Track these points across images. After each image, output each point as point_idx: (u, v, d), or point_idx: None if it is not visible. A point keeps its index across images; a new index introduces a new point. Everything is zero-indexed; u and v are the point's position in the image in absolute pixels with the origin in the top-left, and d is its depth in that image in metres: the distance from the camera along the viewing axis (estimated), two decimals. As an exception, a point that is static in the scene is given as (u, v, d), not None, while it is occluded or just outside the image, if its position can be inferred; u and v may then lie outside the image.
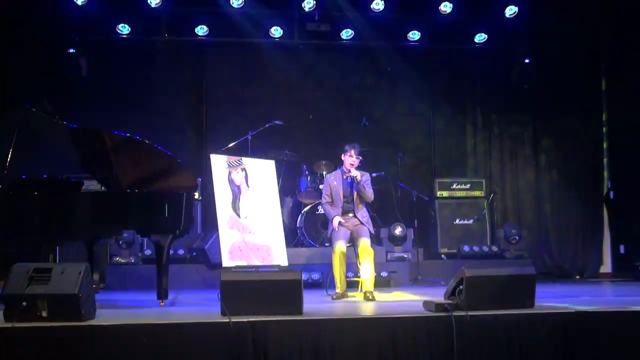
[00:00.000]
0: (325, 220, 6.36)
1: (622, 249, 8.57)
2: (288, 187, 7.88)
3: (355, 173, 5.64)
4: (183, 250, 7.03)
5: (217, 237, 6.12)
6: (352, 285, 5.92)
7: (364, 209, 5.78)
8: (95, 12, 7.94)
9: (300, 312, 4.01)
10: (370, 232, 5.70)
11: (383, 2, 8.17)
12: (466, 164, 8.95)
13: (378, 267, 6.21)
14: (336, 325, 3.89)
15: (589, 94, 8.93)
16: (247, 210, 6.20)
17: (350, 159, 5.71)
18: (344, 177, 5.76)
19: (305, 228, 7.29)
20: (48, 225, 4.55)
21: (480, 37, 8.65)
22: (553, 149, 8.96)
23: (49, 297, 3.73)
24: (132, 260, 6.92)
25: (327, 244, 6.87)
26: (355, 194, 5.72)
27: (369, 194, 5.72)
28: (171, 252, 5.67)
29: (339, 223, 5.63)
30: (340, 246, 5.52)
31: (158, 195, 4.80)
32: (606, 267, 8.77)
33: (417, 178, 8.47)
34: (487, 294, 4.09)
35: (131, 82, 8.20)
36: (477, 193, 8.11)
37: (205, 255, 6.77)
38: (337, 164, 6.23)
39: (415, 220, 7.64)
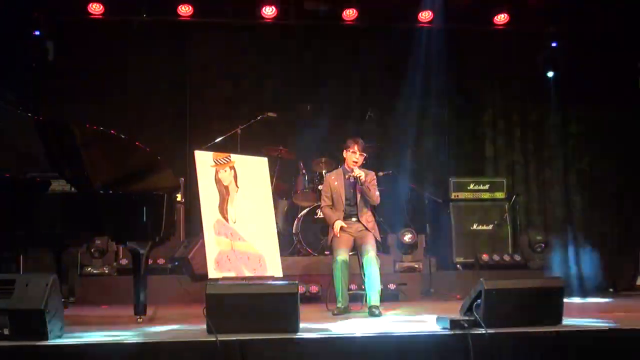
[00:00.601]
0: (325, 226, 6.36)
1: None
2: (283, 188, 7.88)
3: (358, 172, 5.64)
4: (163, 259, 7.03)
5: (202, 245, 6.11)
6: (355, 299, 5.92)
7: (369, 213, 5.78)
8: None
9: (296, 330, 4.01)
10: (376, 239, 5.70)
11: (390, -23, 8.21)
12: (485, 161, 8.95)
13: (385, 279, 6.21)
14: (337, 345, 3.88)
15: (625, 83, 8.92)
16: (236, 214, 6.19)
17: (354, 155, 5.71)
18: (346, 176, 5.76)
19: (302, 234, 7.29)
20: (10, 231, 4.55)
21: (500, 18, 8.66)
22: (584, 145, 8.96)
23: (11, 312, 3.72)
24: (106, 271, 6.92)
25: (327, 253, 6.87)
26: (358, 195, 5.72)
27: (375, 195, 5.72)
28: (150, 261, 5.67)
29: (341, 229, 5.63)
30: (342, 255, 5.52)
31: (135, 197, 4.79)
32: (643, 278, 8.78)
33: (429, 177, 8.47)
34: (508, 309, 4.09)
35: (104, 68, 8.19)
36: (497, 194, 8.10)
37: (189, 265, 6.76)
38: (339, 161, 6.23)
39: (427, 226, 7.65)
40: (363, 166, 5.79)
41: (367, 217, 5.74)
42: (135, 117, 8.15)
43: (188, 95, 8.54)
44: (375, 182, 5.79)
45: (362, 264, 5.59)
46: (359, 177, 5.63)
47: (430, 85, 8.77)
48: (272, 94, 8.43)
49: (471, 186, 8.09)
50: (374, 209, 5.96)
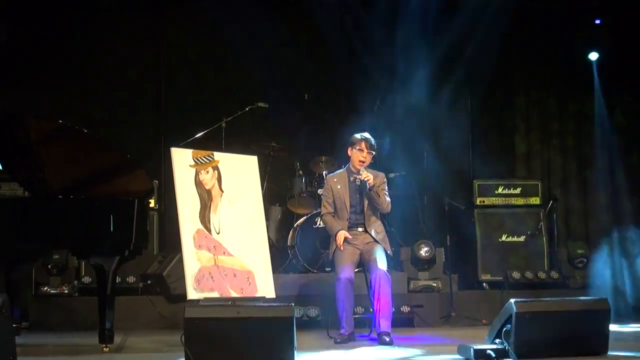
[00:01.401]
0: (326, 237, 6.36)
1: None
2: (276, 192, 7.88)
3: (366, 174, 5.64)
4: (134, 277, 7.02)
5: (180, 260, 6.11)
6: (362, 324, 5.92)
7: (378, 222, 5.78)
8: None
9: (292, 361, 4.01)
10: (386, 252, 5.70)
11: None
12: (516, 160, 8.97)
13: (397, 300, 6.21)
14: (340, 379, 3.89)
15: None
16: (221, 224, 6.19)
17: (360, 154, 5.71)
18: (351, 178, 5.76)
19: (299, 247, 7.29)
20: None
21: (534, -10, 8.69)
22: (634, 141, 8.96)
23: (-48, 340, 3.73)
24: (66, 291, 6.92)
25: (328, 269, 6.87)
26: (365, 201, 5.72)
27: (385, 202, 5.72)
28: (118, 279, 5.67)
29: (345, 240, 5.63)
30: (346, 272, 5.52)
31: (100, 203, 4.80)
32: None
33: (449, 180, 8.47)
34: (544, 337, 4.10)
35: (66, 51, 8.21)
36: (531, 200, 8.10)
37: (164, 284, 6.77)
38: (342, 161, 6.23)
39: (448, 237, 7.64)
40: (371, 167, 5.79)
41: (376, 227, 5.74)
42: (101, 108, 8.15)
43: (163, 83, 8.55)
44: (385, 185, 5.79)
45: (370, 282, 5.58)
46: (367, 179, 5.62)
47: (451, 70, 8.76)
48: (263, 80, 8.41)
49: (500, 190, 8.07)
50: (384, 218, 5.96)
